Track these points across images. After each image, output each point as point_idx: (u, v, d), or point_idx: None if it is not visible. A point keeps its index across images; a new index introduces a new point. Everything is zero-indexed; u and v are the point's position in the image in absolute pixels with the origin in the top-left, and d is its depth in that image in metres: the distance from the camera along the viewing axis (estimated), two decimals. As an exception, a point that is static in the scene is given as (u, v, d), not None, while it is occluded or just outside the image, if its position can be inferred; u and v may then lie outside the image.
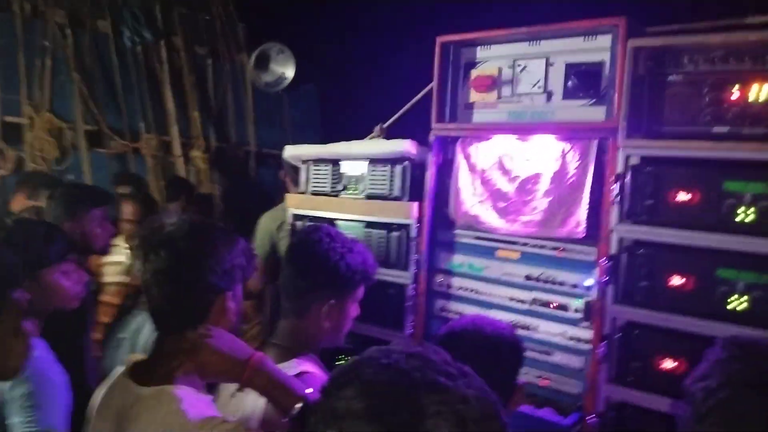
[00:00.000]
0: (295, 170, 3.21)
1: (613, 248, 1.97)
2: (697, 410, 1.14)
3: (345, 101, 6.99)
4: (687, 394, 1.20)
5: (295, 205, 2.78)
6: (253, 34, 6.81)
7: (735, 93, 1.81)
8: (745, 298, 1.77)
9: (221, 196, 6.07)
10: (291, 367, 1.70)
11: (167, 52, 6.12)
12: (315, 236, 1.81)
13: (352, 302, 1.86)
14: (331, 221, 2.66)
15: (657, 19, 2.06)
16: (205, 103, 6.40)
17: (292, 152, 2.80)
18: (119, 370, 1.56)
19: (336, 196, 2.66)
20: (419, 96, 2.75)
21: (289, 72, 6.77)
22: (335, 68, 6.88)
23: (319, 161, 2.72)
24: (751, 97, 1.78)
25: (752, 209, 1.76)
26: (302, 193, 2.78)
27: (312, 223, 1.92)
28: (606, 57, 2.08)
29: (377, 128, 2.84)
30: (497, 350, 1.55)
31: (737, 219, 1.78)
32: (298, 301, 1.79)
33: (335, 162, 2.67)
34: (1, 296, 1.49)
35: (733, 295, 1.79)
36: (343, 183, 2.65)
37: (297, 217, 2.77)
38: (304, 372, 1.70)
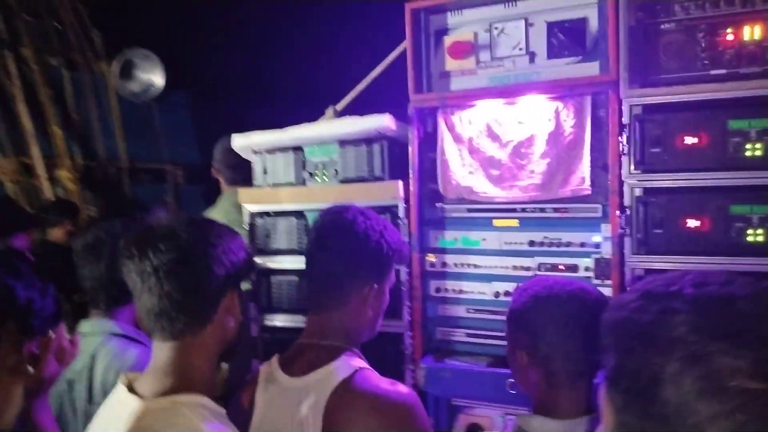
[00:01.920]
0: (231, 166, 2.92)
1: (627, 200, 1.97)
2: None
3: (223, 105, 6.61)
4: None
5: (253, 200, 2.50)
6: (113, 41, 6.22)
7: (729, 35, 1.87)
8: (761, 230, 1.84)
9: (98, 219, 5.43)
10: (345, 367, 1.49)
11: (16, 63, 5.38)
12: (348, 216, 1.60)
13: (388, 285, 1.68)
14: (299, 213, 2.43)
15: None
16: (66, 118, 5.72)
17: (241, 142, 2.52)
18: (119, 388, 1.40)
19: (303, 184, 2.43)
20: (376, 72, 2.62)
21: (158, 79, 6.28)
22: (208, 71, 6.49)
23: (276, 150, 2.47)
24: (745, 37, 1.86)
25: (759, 145, 1.83)
26: (259, 187, 2.51)
27: (336, 204, 1.70)
28: (588, 13, 2.08)
29: (329, 110, 2.65)
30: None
31: (745, 155, 1.84)
32: (337, 290, 1.57)
33: (297, 148, 2.44)
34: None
35: (748, 229, 1.85)
36: (309, 170, 2.43)
37: (258, 215, 2.50)
38: (361, 368, 1.50)
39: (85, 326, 1.94)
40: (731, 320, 0.81)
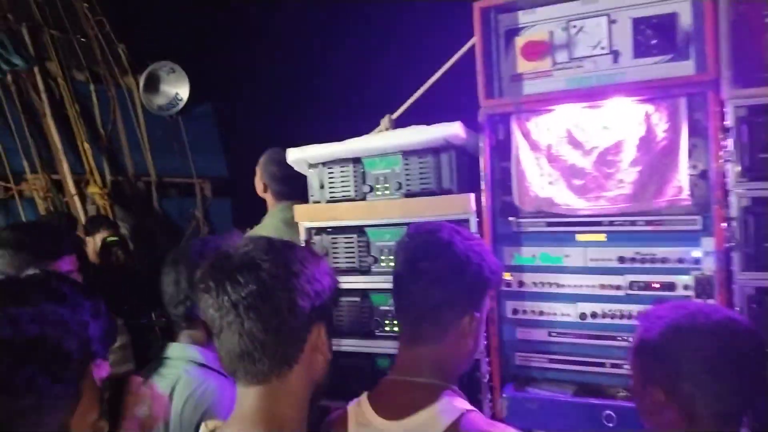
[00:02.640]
0: (281, 180, 2.76)
1: (733, 211, 1.78)
2: None
3: (248, 117, 6.49)
4: None
5: (310, 216, 2.34)
6: (138, 55, 6.14)
7: None
8: None
9: (130, 235, 5.32)
10: (449, 409, 1.32)
11: (43, 79, 5.29)
12: (444, 236, 1.42)
13: (486, 312, 1.50)
14: (360, 229, 2.27)
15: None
16: (93, 133, 5.63)
17: (296, 155, 2.36)
18: None
19: (363, 199, 2.27)
20: (434, 78, 2.45)
21: (184, 92, 6.18)
22: (233, 84, 6.38)
23: (334, 162, 2.30)
24: None
25: None
26: (317, 202, 2.35)
27: (427, 221, 1.52)
28: (679, 7, 1.90)
29: (384, 120, 2.49)
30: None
31: None
32: (434, 322, 1.40)
33: (356, 160, 2.28)
34: None
35: None
36: (369, 183, 2.27)
37: (314, 231, 2.34)
38: (468, 410, 1.33)
39: (172, 350, 1.82)
40: None
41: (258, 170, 2.87)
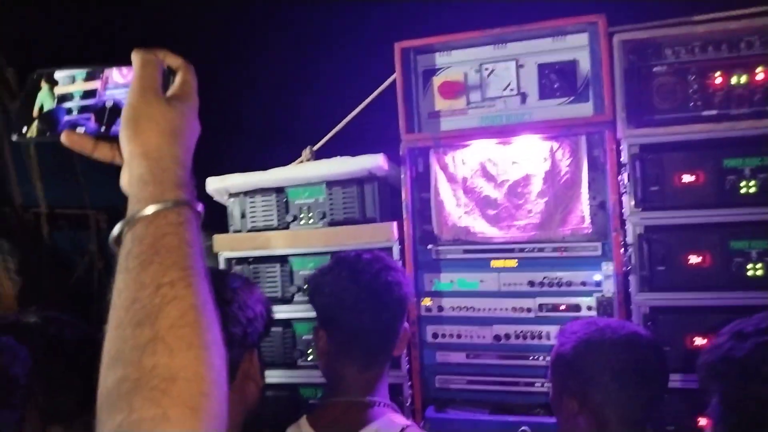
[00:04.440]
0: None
1: (630, 238, 1.98)
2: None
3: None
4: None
5: (231, 247, 2.33)
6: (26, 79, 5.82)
7: (717, 78, 1.96)
8: (760, 264, 1.89)
9: (16, 270, 4.97)
10: (390, 426, 1.38)
11: None
12: (374, 265, 1.51)
13: None
14: (283, 258, 2.29)
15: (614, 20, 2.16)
16: (-24, 161, 5.25)
17: (216, 185, 2.35)
18: None
19: (286, 228, 2.30)
20: (356, 112, 2.55)
21: (79, 118, 5.92)
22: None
23: (256, 192, 2.32)
24: (733, 81, 1.94)
25: (753, 182, 1.90)
26: (237, 231, 2.35)
27: (349, 250, 1.59)
28: (578, 55, 2.12)
29: (306, 152, 2.55)
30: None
31: (741, 192, 1.91)
32: (387, 339, 1.50)
33: (279, 190, 2.31)
34: None
35: (748, 264, 1.90)
36: (293, 213, 2.30)
37: (235, 261, 2.33)
38: (408, 426, 1.40)
39: None
40: None
41: None
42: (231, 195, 2.37)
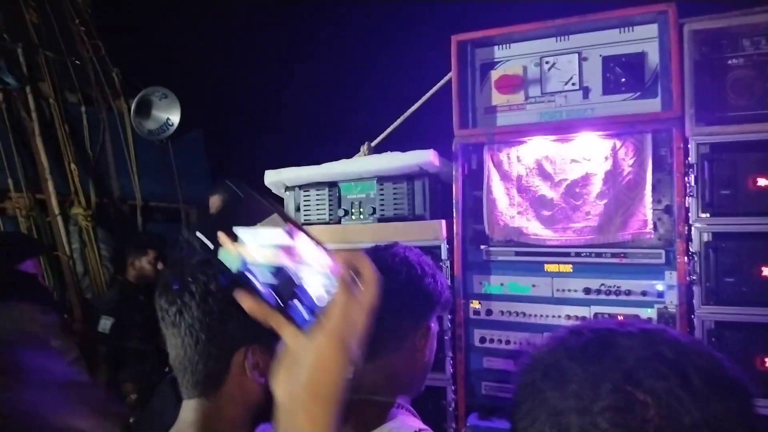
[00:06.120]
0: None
1: (695, 245, 1.82)
2: None
3: (234, 144, 6.54)
4: None
5: (284, 239, 2.35)
6: (131, 80, 6.21)
7: (804, 71, 1.76)
8: None
9: (111, 258, 5.30)
10: (402, 428, 1.32)
11: (34, 99, 5.34)
12: (399, 250, 1.45)
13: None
14: (333, 253, 2.28)
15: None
16: (82, 155, 5.64)
17: (273, 178, 2.39)
18: None
19: (338, 223, 2.29)
20: (414, 108, 2.50)
21: (175, 118, 6.23)
22: (220, 111, 6.44)
23: (311, 186, 2.33)
24: (822, 74, 1.74)
25: (841, 187, 1.69)
26: (291, 224, 2.37)
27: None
28: (647, 47, 1.97)
29: (363, 147, 2.53)
30: None
31: (826, 199, 1.70)
32: (393, 328, 1.41)
33: (332, 185, 2.31)
34: None
35: (832, 279, 1.69)
36: (344, 207, 2.29)
37: (287, 252, 2.35)
38: (422, 429, 1.33)
39: None
40: None
41: (213, 200, 2.92)
42: (287, 188, 2.39)
